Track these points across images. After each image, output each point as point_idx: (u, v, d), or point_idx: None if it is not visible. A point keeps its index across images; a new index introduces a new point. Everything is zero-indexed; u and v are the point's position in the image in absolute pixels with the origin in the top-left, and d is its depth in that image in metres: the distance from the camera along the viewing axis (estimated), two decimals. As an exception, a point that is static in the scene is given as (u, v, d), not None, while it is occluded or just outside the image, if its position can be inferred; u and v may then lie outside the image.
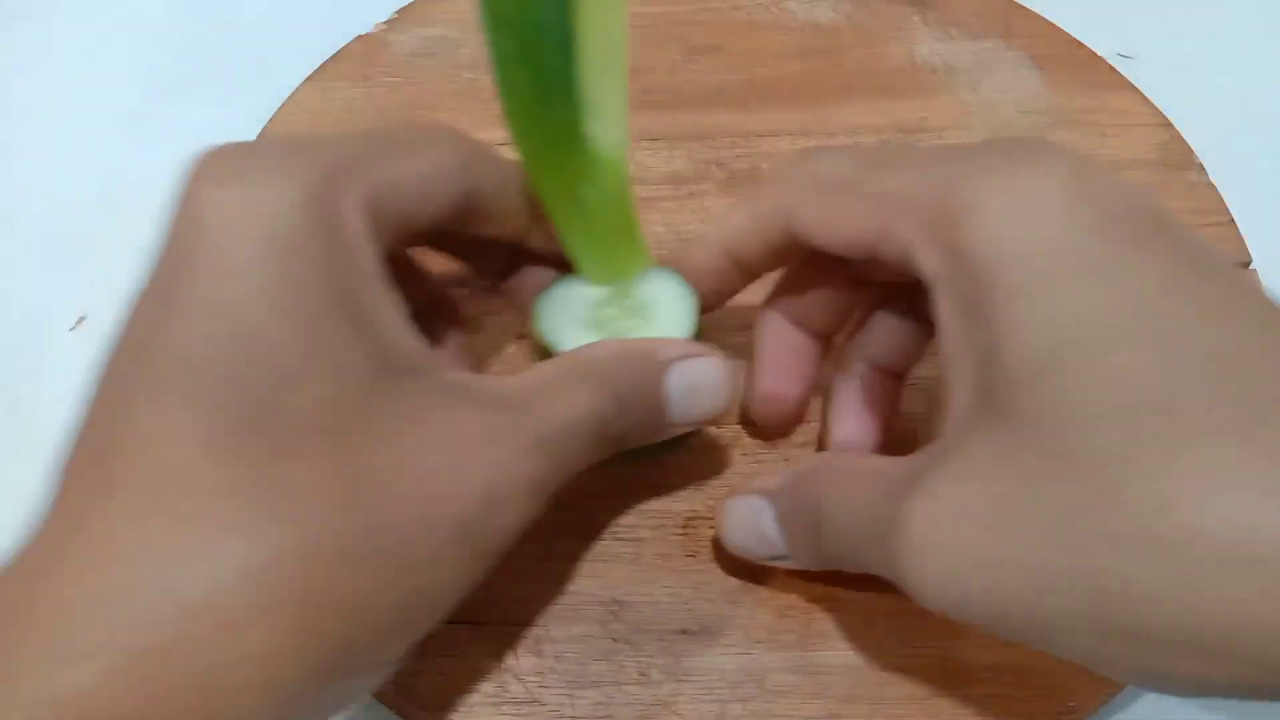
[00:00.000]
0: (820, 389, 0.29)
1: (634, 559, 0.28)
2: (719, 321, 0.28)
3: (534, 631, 0.27)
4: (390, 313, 0.21)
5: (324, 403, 0.19)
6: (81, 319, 0.36)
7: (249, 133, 0.37)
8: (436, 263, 0.28)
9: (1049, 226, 0.20)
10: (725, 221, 0.26)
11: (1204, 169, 0.35)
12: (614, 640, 0.27)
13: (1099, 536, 0.18)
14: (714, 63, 0.39)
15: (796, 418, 0.29)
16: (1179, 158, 0.36)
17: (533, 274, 0.28)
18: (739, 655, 0.26)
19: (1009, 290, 0.20)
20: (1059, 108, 0.37)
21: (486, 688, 0.26)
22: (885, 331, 0.27)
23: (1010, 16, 0.40)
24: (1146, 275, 0.19)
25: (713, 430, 0.30)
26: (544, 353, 0.26)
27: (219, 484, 0.18)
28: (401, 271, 0.25)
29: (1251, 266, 0.33)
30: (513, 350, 0.32)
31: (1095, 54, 0.39)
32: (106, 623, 0.17)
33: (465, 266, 0.28)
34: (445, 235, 0.25)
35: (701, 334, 0.27)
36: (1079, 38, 0.39)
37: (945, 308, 0.21)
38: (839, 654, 0.26)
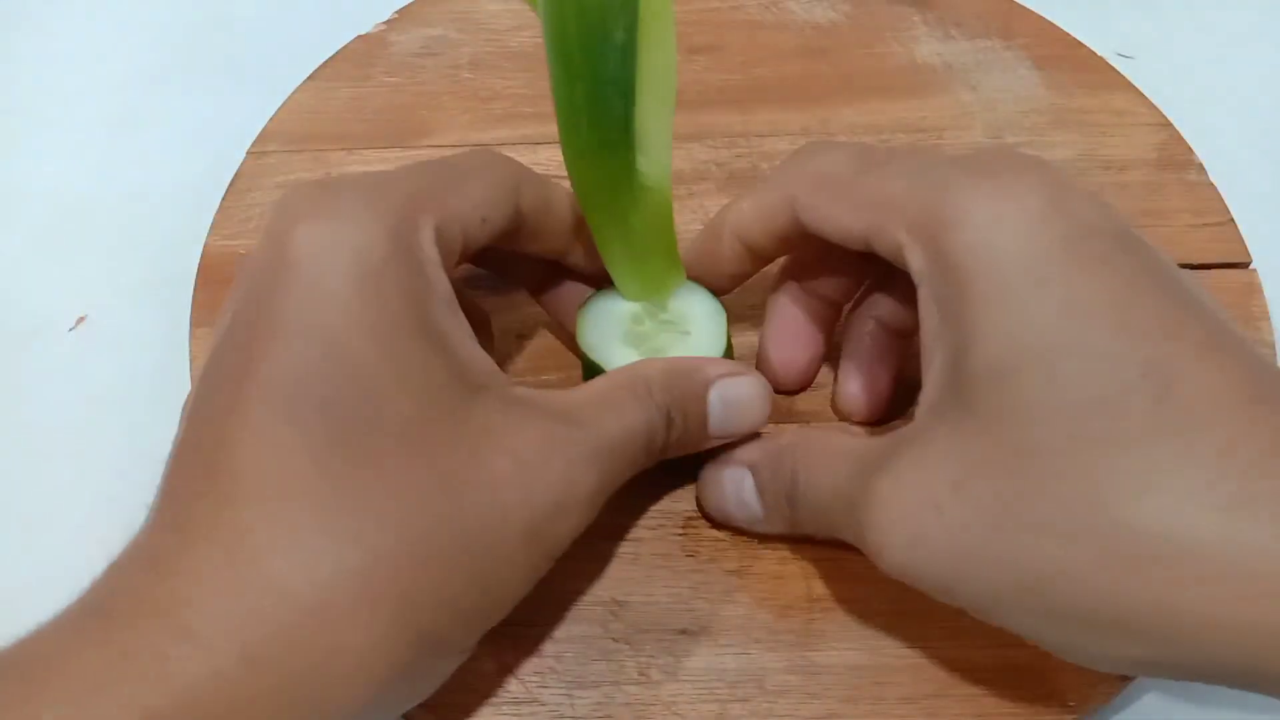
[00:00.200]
0: (830, 352, 0.30)
1: (634, 559, 0.28)
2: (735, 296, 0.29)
3: (534, 631, 0.27)
4: (463, 334, 0.23)
5: (410, 416, 0.21)
6: (81, 319, 0.36)
7: (249, 133, 0.37)
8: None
9: (1020, 239, 0.21)
10: (737, 208, 0.28)
11: (1204, 169, 0.35)
12: (614, 640, 0.27)
13: (1037, 524, 0.20)
14: (714, 63, 0.39)
15: (807, 379, 0.31)
16: (1178, 157, 0.36)
17: (569, 288, 0.30)
18: (739, 655, 0.26)
19: (980, 295, 0.21)
20: (1059, 108, 0.37)
21: (486, 687, 0.26)
22: (892, 295, 0.28)
23: (1010, 16, 0.40)
24: (1104, 290, 0.21)
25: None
26: (587, 363, 0.28)
27: (323, 493, 0.20)
28: None
29: (1252, 266, 0.33)
30: (511, 349, 0.32)
31: (1095, 54, 0.39)
32: (229, 616, 0.19)
33: (503, 280, 0.31)
34: (485, 251, 0.27)
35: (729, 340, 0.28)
36: (1079, 38, 0.39)
37: (926, 305, 0.23)
38: (839, 654, 0.26)
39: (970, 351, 0.22)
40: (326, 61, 0.39)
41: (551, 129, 0.25)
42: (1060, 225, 0.22)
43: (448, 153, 0.36)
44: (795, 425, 0.30)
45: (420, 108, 0.38)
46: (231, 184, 0.36)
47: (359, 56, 0.39)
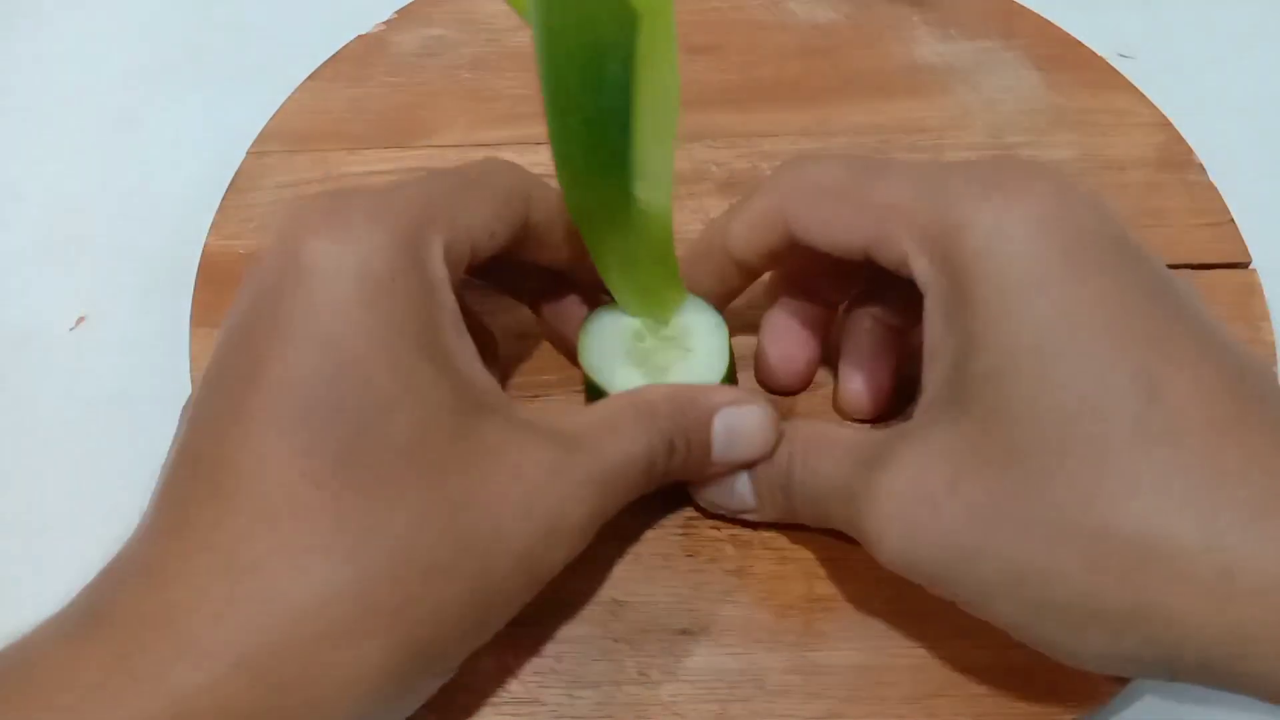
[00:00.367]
0: (829, 350, 0.30)
1: (634, 559, 0.28)
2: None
3: (534, 631, 0.27)
4: (468, 353, 0.23)
5: (413, 433, 0.21)
6: (81, 319, 0.36)
7: (249, 133, 0.37)
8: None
9: (1024, 246, 0.22)
10: (724, 225, 0.28)
11: (1204, 169, 0.35)
12: (614, 640, 0.27)
13: (1026, 522, 0.21)
14: (714, 63, 0.39)
15: (806, 380, 0.31)
16: (1178, 157, 0.36)
17: (570, 303, 0.30)
18: (739, 655, 0.26)
19: (983, 303, 0.22)
20: (1059, 108, 0.37)
21: (486, 687, 0.26)
22: (887, 294, 0.29)
23: (1010, 16, 0.40)
24: (1098, 297, 0.21)
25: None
26: (589, 382, 0.28)
27: (323, 507, 0.20)
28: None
29: (1252, 266, 0.33)
30: (510, 349, 0.32)
31: (1095, 54, 0.39)
32: (228, 627, 0.19)
33: (505, 294, 0.30)
34: (487, 264, 0.26)
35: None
36: (1079, 38, 0.39)
37: (933, 313, 0.24)
38: (839, 654, 0.26)
39: (972, 355, 0.22)
40: (327, 61, 0.39)
41: (552, 129, 0.25)
42: (1060, 233, 0.22)
43: (448, 153, 0.37)
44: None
45: (420, 108, 0.38)
46: (232, 184, 0.36)
47: (359, 56, 0.39)
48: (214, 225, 0.35)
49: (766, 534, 0.28)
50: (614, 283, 0.28)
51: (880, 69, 0.38)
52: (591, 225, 0.26)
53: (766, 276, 0.30)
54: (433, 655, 0.21)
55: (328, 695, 0.20)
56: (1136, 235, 0.23)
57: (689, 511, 0.29)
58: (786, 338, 0.30)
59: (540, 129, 0.24)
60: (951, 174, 0.24)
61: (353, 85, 0.39)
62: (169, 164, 0.39)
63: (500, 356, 0.30)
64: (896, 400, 0.30)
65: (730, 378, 0.28)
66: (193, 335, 0.32)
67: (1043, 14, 0.40)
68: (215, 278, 0.34)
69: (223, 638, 0.19)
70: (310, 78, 0.39)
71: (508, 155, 0.36)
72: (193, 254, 0.34)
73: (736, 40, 0.39)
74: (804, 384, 0.31)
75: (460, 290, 0.25)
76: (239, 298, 0.23)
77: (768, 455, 0.26)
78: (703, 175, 0.36)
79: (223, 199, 0.36)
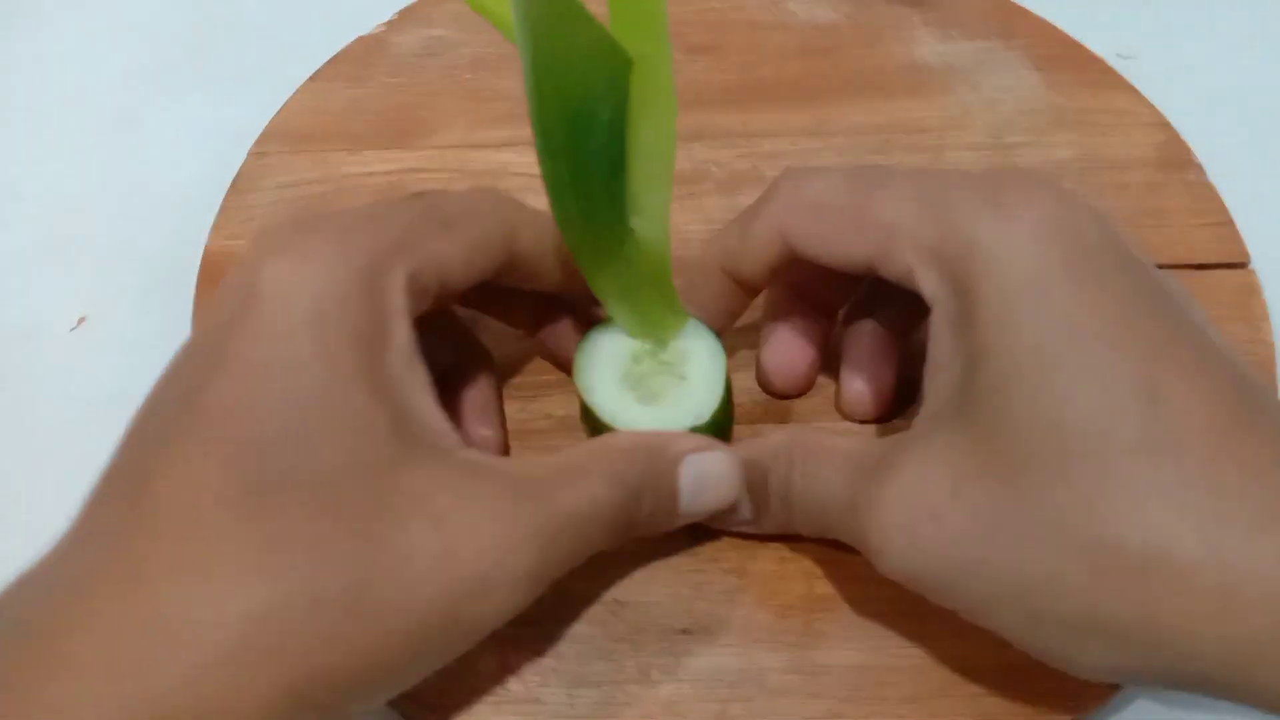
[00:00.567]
0: (829, 354, 0.30)
1: (634, 559, 0.28)
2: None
3: (534, 631, 0.27)
4: (416, 387, 0.23)
5: (334, 468, 0.21)
6: (81, 319, 0.36)
7: (250, 133, 0.37)
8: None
9: (1027, 259, 0.22)
10: (721, 244, 0.28)
11: (1203, 169, 0.35)
12: (614, 640, 0.27)
13: (1029, 533, 0.21)
14: (714, 63, 0.39)
15: (806, 385, 0.31)
16: (1178, 158, 0.36)
17: (567, 325, 0.30)
18: (739, 655, 0.26)
19: (990, 314, 0.22)
20: (1058, 108, 0.37)
21: (486, 687, 0.26)
22: (887, 298, 0.29)
23: (1010, 16, 0.40)
24: (1099, 309, 0.21)
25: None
26: (583, 404, 0.28)
27: (233, 540, 0.20)
28: (441, 321, 0.28)
29: (1251, 266, 0.33)
30: (509, 350, 0.32)
31: (1095, 54, 0.39)
32: (114, 651, 0.19)
33: (498, 320, 0.30)
34: (475, 291, 0.26)
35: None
36: (1079, 38, 0.39)
37: (940, 325, 0.24)
38: (839, 654, 0.26)
39: (978, 368, 0.22)
40: (328, 62, 0.39)
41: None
42: (1062, 245, 0.22)
43: (448, 153, 0.37)
44: (782, 426, 0.30)
45: (421, 108, 0.38)
46: (233, 184, 0.36)
47: (360, 57, 0.39)
48: (215, 225, 0.35)
49: (767, 534, 0.28)
50: (613, 309, 0.27)
51: (880, 69, 0.38)
52: (587, 258, 0.26)
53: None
54: (316, 702, 0.20)
55: None
56: (1134, 244, 0.23)
57: (689, 511, 0.29)
58: (787, 345, 0.30)
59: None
60: (952, 187, 0.24)
61: (353, 85, 0.39)
62: (169, 164, 0.39)
63: (497, 360, 0.30)
64: (897, 403, 0.30)
65: (725, 408, 0.28)
66: (193, 335, 0.32)
67: (1043, 14, 0.40)
68: (216, 278, 0.34)
69: (108, 663, 0.19)
70: (311, 78, 0.39)
71: (508, 155, 0.36)
72: (193, 254, 0.34)
73: (736, 40, 0.39)
74: (804, 389, 0.31)
75: (440, 317, 0.25)
76: (202, 316, 0.23)
77: (732, 504, 0.26)
78: (703, 175, 0.36)
79: (223, 199, 0.36)
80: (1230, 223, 0.34)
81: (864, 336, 0.29)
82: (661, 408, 0.27)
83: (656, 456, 0.25)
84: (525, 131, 0.24)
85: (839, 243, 0.25)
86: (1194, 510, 0.20)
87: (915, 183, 0.25)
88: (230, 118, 0.39)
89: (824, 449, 0.26)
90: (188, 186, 0.38)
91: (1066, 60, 0.39)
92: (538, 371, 0.32)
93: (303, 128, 0.37)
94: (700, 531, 0.28)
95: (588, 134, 0.23)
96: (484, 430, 0.29)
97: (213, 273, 0.34)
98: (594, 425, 0.28)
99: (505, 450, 0.30)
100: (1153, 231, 0.34)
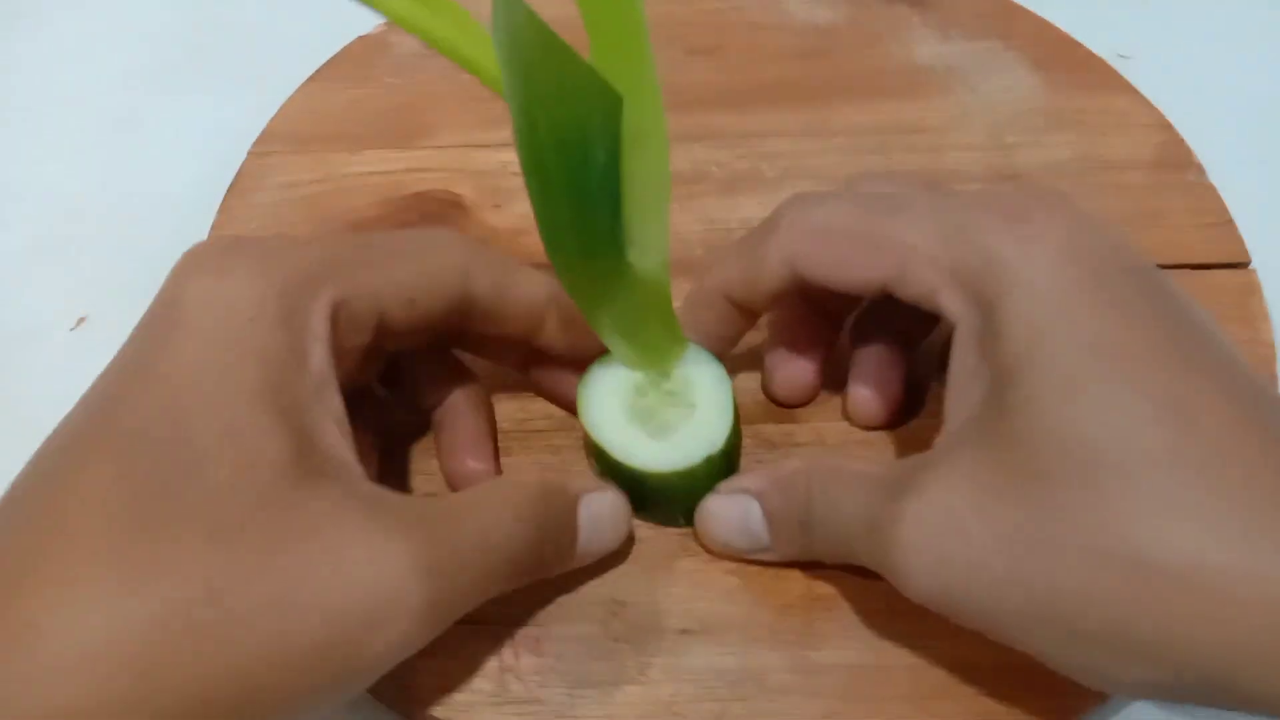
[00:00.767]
0: (835, 363, 0.30)
1: (634, 559, 0.28)
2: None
3: (534, 631, 0.27)
4: (323, 415, 0.22)
5: (223, 490, 0.20)
6: (81, 319, 0.36)
7: (250, 133, 0.37)
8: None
9: (1052, 278, 0.22)
10: (723, 271, 0.28)
11: (1203, 169, 0.35)
12: (614, 640, 0.27)
13: (1059, 549, 0.20)
14: (714, 63, 0.39)
15: (812, 393, 0.31)
16: (1177, 158, 0.36)
17: (557, 365, 0.29)
18: (738, 655, 0.26)
19: (1015, 333, 0.22)
20: (1058, 108, 0.37)
21: (486, 687, 0.26)
22: (893, 312, 0.28)
23: (1009, 17, 0.40)
24: (1125, 327, 0.22)
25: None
26: (589, 440, 0.27)
27: (108, 553, 0.19)
28: (436, 356, 0.28)
29: (1251, 266, 0.33)
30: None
31: (1094, 54, 0.39)
32: None
33: (489, 361, 0.30)
34: (459, 332, 0.27)
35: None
36: (1078, 38, 0.39)
37: (964, 344, 0.24)
38: (839, 654, 0.26)
39: (1005, 386, 0.22)
40: (328, 62, 0.39)
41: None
42: (1086, 263, 0.23)
43: (448, 153, 0.37)
44: (797, 451, 0.30)
45: (421, 108, 0.38)
46: (233, 184, 0.36)
47: (360, 57, 0.39)
48: (215, 226, 0.35)
49: (766, 534, 0.28)
50: (612, 344, 0.27)
51: (879, 69, 0.38)
52: (585, 295, 0.25)
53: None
54: None
55: None
56: (1149, 260, 0.23)
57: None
58: (791, 353, 0.30)
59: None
60: (970, 208, 0.24)
61: (354, 86, 0.39)
62: (169, 164, 0.39)
63: (474, 378, 0.30)
64: (904, 411, 0.30)
65: (735, 433, 0.28)
66: (193, 335, 0.32)
67: (1042, 14, 0.40)
68: (215, 278, 0.34)
69: None
70: (311, 78, 0.39)
71: (508, 155, 0.36)
72: (193, 254, 0.34)
73: (736, 41, 0.39)
74: (809, 398, 0.31)
75: (434, 353, 0.26)
76: (136, 328, 0.23)
77: (616, 548, 0.26)
78: (703, 175, 0.36)
79: (224, 199, 0.36)
80: (1230, 223, 0.34)
81: (871, 345, 0.29)
82: (676, 440, 0.27)
83: (557, 494, 0.25)
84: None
85: (853, 266, 0.25)
86: (1229, 525, 0.19)
87: (932, 205, 0.25)
88: (230, 118, 0.39)
89: (844, 473, 0.25)
90: (188, 186, 0.38)
91: (1066, 60, 0.39)
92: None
93: (303, 128, 0.37)
94: (700, 531, 0.28)
95: (584, 176, 0.22)
96: (475, 463, 0.29)
97: (213, 273, 0.34)
98: (606, 464, 0.27)
99: None
100: (1153, 232, 0.34)
